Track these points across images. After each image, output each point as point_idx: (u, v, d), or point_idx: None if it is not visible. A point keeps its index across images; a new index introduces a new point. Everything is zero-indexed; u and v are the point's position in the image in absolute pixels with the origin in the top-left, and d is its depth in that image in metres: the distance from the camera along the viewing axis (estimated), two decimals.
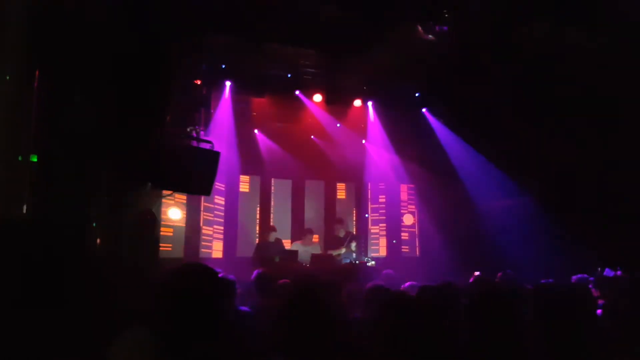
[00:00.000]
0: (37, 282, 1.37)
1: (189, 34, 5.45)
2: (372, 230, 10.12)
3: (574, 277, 4.75)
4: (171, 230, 7.75)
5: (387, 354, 1.82)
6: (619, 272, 5.25)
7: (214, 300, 1.59)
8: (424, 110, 9.27)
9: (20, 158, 2.67)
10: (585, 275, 4.74)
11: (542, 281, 4.12)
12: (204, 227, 8.45)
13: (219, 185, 8.52)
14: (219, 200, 8.77)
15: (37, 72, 2.82)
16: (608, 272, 5.28)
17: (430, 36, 7.05)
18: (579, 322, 2.26)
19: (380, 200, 10.24)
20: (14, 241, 1.34)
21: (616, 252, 5.78)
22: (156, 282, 1.92)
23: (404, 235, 10.19)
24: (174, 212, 8.00)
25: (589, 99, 6.55)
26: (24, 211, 2.56)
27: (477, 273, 6.33)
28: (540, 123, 7.11)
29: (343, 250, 8.18)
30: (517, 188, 7.76)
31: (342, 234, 8.54)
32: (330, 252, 8.29)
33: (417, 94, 9.03)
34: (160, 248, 6.44)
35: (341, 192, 10.09)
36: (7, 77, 2.54)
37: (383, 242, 10.11)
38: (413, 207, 10.32)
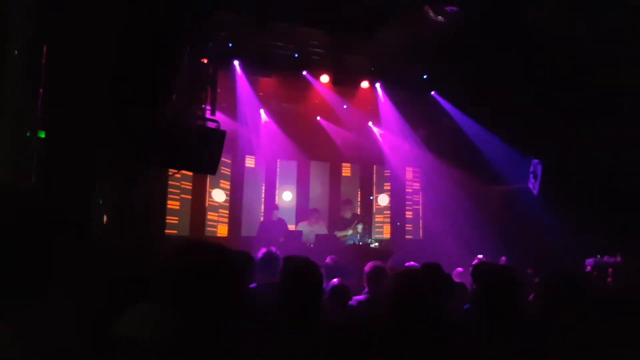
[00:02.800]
0: (42, 255, 1.37)
1: (197, 11, 5.40)
2: (376, 217, 10.14)
3: (589, 261, 4.76)
4: (177, 204, 7.84)
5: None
6: (618, 259, 5.25)
7: (228, 276, 1.61)
8: (432, 92, 9.17)
9: (28, 134, 2.69)
10: (591, 261, 4.75)
11: (545, 266, 4.15)
12: (209, 212, 8.55)
13: (224, 169, 8.58)
14: (225, 184, 8.84)
15: (44, 48, 2.81)
16: (608, 259, 5.28)
17: (439, 17, 6.95)
18: (578, 305, 2.29)
19: (386, 187, 10.24)
20: (21, 208, 1.34)
21: (620, 239, 5.77)
22: (164, 258, 1.94)
23: (408, 214, 10.23)
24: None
25: (601, 82, 6.45)
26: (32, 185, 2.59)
27: (480, 256, 6.37)
28: (552, 104, 7.02)
29: (350, 232, 8.17)
30: (526, 171, 7.69)
31: (348, 215, 8.54)
32: (336, 233, 8.31)
33: (425, 76, 8.94)
34: (167, 223, 6.53)
35: (346, 169, 10.09)
36: (16, 52, 2.54)
37: (387, 227, 10.16)
38: (417, 185, 10.33)
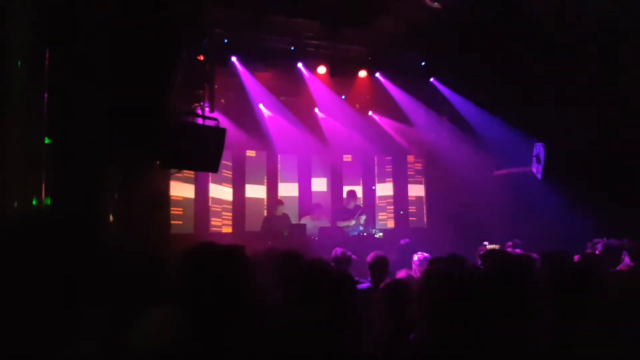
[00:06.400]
0: (52, 268, 1.38)
1: (191, 7, 5.35)
2: (379, 214, 10.09)
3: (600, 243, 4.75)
4: (181, 197, 7.82)
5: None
6: (625, 241, 5.22)
7: (238, 279, 1.61)
8: (431, 79, 9.12)
9: (34, 142, 2.67)
10: (599, 244, 4.73)
11: (550, 250, 4.14)
12: (212, 207, 8.53)
13: (226, 172, 8.58)
14: (227, 186, 8.83)
15: (47, 52, 2.77)
16: (614, 242, 5.25)
17: (435, 4, 6.90)
18: (587, 290, 2.28)
19: (387, 180, 10.18)
20: (31, 236, 1.35)
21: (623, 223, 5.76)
22: (174, 260, 1.93)
23: (412, 208, 10.20)
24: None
25: (602, 63, 6.40)
26: (43, 195, 2.58)
27: (485, 243, 6.37)
28: (554, 85, 6.95)
29: (352, 223, 8.20)
30: (529, 154, 7.62)
31: (351, 206, 8.57)
32: (338, 223, 8.34)
33: (423, 63, 8.89)
34: (172, 214, 6.53)
35: (347, 159, 10.06)
36: (19, 63, 2.51)
37: (391, 222, 10.12)
38: (420, 177, 10.29)
